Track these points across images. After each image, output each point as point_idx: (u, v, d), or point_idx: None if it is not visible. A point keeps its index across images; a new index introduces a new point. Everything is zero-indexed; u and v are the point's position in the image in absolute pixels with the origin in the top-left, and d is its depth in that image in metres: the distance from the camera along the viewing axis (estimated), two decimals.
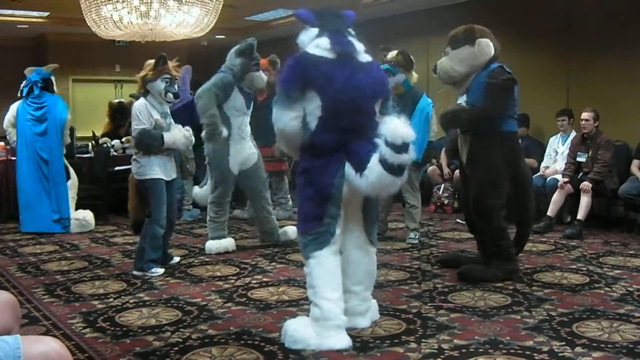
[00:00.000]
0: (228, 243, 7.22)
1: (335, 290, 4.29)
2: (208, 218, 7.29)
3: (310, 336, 4.20)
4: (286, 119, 4.28)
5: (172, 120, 6.39)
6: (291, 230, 7.45)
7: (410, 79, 7.60)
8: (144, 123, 6.14)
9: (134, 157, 6.29)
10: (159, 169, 6.20)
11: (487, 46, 5.87)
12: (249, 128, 7.29)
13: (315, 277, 4.28)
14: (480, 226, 6.05)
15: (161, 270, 6.23)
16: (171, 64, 6.32)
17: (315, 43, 4.39)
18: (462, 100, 6.04)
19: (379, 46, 7.60)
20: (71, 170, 8.82)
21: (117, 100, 11.92)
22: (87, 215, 8.74)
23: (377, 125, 4.16)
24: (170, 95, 6.20)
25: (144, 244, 6.23)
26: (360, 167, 4.15)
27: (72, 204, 8.69)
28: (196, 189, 7.85)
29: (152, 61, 6.30)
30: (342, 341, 4.20)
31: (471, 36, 5.91)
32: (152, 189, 6.21)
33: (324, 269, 4.27)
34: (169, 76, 6.20)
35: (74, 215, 8.60)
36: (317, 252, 4.27)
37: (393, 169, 4.01)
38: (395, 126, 3.95)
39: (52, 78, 8.83)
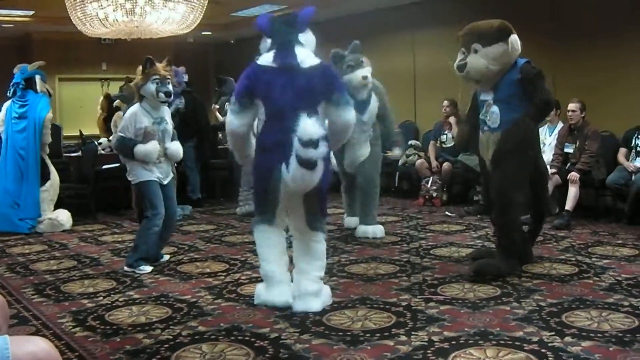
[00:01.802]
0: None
1: (272, 254, 5.01)
2: None
3: (261, 292, 5.04)
4: (237, 123, 4.93)
5: (167, 127, 6.37)
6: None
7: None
8: (123, 131, 6.22)
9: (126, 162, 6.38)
10: (147, 172, 6.23)
11: (517, 43, 5.72)
12: None
13: (258, 245, 5.09)
14: (498, 218, 5.91)
15: (149, 268, 6.23)
16: (160, 65, 6.31)
17: (264, 56, 4.98)
18: (486, 97, 5.90)
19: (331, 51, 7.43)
20: (52, 171, 8.69)
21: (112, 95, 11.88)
22: (61, 214, 8.68)
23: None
24: (162, 95, 6.17)
25: (138, 242, 6.32)
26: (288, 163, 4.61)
27: (50, 205, 8.59)
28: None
29: (141, 67, 6.29)
30: (281, 295, 4.91)
31: (505, 33, 5.70)
32: (145, 190, 6.28)
33: (264, 237, 5.02)
34: (158, 77, 6.17)
35: (48, 215, 8.53)
36: (258, 226, 5.04)
37: (303, 163, 4.45)
38: (304, 125, 4.37)
39: (38, 77, 8.76)
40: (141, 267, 6.21)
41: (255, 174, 5.04)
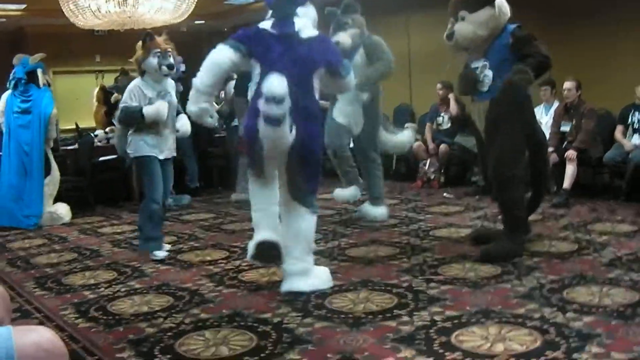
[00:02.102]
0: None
1: (260, 202, 5.02)
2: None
3: (250, 247, 5.00)
4: (225, 55, 4.93)
5: (172, 99, 6.34)
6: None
7: None
8: (128, 101, 6.14)
9: (128, 134, 6.30)
10: (148, 147, 6.20)
11: (505, 6, 5.67)
12: None
13: (250, 196, 5.10)
14: (499, 196, 5.83)
15: (163, 254, 6.29)
16: (159, 38, 6.28)
17: (264, 23, 5.08)
18: (478, 64, 5.80)
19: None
20: (54, 166, 8.68)
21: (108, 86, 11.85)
22: (60, 208, 8.67)
23: (313, 96, 4.90)
24: (164, 68, 6.11)
25: (141, 222, 6.39)
26: None
27: (50, 200, 8.57)
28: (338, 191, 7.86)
29: (141, 42, 6.24)
30: (260, 236, 4.92)
31: None
32: (144, 167, 6.26)
33: (254, 188, 5.04)
34: (159, 50, 6.12)
35: (47, 209, 8.50)
36: (252, 180, 5.05)
37: (267, 119, 4.51)
38: (269, 81, 4.42)
39: (39, 70, 8.70)
40: (154, 253, 6.27)
41: (244, 135, 5.04)
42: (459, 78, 5.98)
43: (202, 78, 4.99)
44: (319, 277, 5.04)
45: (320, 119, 5.06)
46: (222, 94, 10.78)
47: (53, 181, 8.62)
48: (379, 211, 7.56)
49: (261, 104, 4.49)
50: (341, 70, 5.03)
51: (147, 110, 6.08)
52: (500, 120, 5.60)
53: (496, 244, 5.69)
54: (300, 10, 5.09)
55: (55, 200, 8.68)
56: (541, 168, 6.10)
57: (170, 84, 6.43)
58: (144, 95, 6.15)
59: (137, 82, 6.25)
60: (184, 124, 6.43)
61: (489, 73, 5.72)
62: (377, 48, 7.27)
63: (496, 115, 5.63)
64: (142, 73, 6.23)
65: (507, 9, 5.66)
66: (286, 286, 4.96)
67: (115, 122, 10.23)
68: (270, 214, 5.03)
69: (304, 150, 4.76)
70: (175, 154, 6.53)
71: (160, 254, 6.28)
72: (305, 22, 5.05)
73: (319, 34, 5.10)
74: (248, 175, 5.15)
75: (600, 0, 9.01)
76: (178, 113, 6.46)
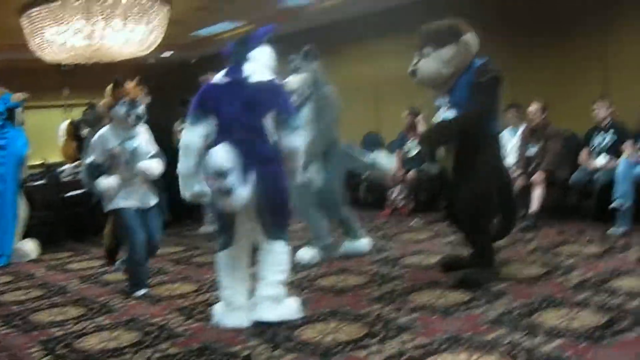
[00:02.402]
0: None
1: (230, 281, 5.03)
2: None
3: (219, 313, 5.06)
4: (190, 135, 4.94)
5: (139, 146, 6.07)
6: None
7: None
8: (92, 154, 6.04)
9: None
10: (120, 199, 6.04)
11: (472, 42, 5.57)
12: None
13: (218, 270, 5.12)
14: (471, 231, 5.74)
15: (143, 291, 6.16)
16: (130, 84, 6.06)
17: (217, 74, 5.17)
18: (442, 102, 5.73)
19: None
20: (23, 204, 8.62)
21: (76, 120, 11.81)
22: (26, 244, 8.58)
23: (266, 139, 4.88)
24: (132, 118, 5.92)
25: (128, 272, 6.29)
26: None
27: (17, 236, 8.48)
28: None
29: (111, 87, 6.05)
30: (237, 320, 4.92)
31: (455, 34, 5.54)
32: (119, 219, 6.10)
33: (223, 264, 5.07)
34: (127, 98, 5.94)
35: (15, 245, 8.38)
36: (219, 253, 5.09)
37: (217, 191, 4.74)
38: (214, 155, 4.67)
39: (19, 110, 8.65)
40: (136, 293, 6.14)
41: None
42: (425, 134, 5.89)
43: (183, 163, 5.03)
44: (288, 308, 5.03)
45: (278, 160, 4.98)
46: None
47: (20, 218, 8.53)
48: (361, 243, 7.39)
49: (209, 178, 4.70)
50: (290, 120, 4.98)
51: (98, 183, 5.96)
52: (468, 159, 5.56)
53: (470, 273, 5.66)
54: (254, 53, 5.12)
55: (24, 236, 8.59)
56: (510, 203, 6.04)
57: (141, 130, 6.17)
58: (105, 146, 5.98)
59: (102, 132, 6.07)
60: (142, 170, 6.07)
61: (450, 114, 5.62)
62: (326, 101, 7.07)
63: (463, 153, 5.59)
64: (111, 119, 6.07)
65: (473, 45, 5.59)
66: (255, 315, 4.95)
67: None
68: (244, 289, 5.08)
69: (267, 191, 4.82)
70: (156, 201, 6.34)
71: (140, 291, 6.16)
72: (258, 66, 5.05)
73: (270, 79, 5.06)
74: (218, 244, 5.13)
75: (565, 23, 9.12)
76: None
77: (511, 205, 6.15)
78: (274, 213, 4.94)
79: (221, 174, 4.59)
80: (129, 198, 6.07)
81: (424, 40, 5.68)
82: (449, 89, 5.65)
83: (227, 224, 5.01)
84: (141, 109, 6.03)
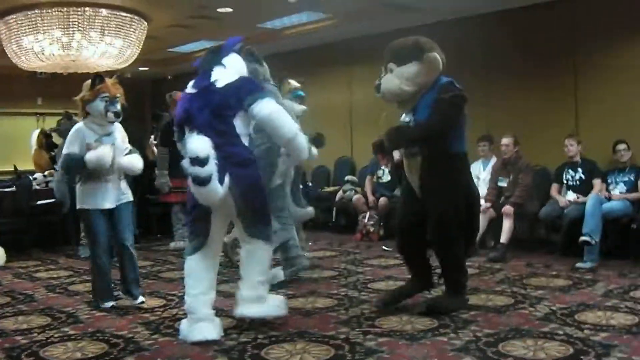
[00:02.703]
0: None
1: (197, 287, 4.98)
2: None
3: (184, 328, 4.97)
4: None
5: (116, 142, 5.99)
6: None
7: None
8: (69, 147, 5.90)
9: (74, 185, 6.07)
10: (89, 199, 5.92)
11: (436, 60, 5.46)
12: None
13: (186, 275, 5.07)
14: (441, 255, 5.67)
15: (110, 304, 6.04)
16: (109, 81, 5.99)
17: (189, 84, 5.21)
18: (407, 119, 5.68)
19: (278, 75, 7.23)
20: None
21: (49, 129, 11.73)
22: None
23: (239, 142, 4.95)
24: (111, 114, 5.86)
25: (91, 277, 6.23)
26: None
27: None
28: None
29: (89, 82, 5.98)
30: (201, 333, 4.87)
31: (419, 51, 5.47)
32: (83, 220, 6.07)
33: (192, 269, 5.03)
34: (107, 95, 5.85)
35: None
36: (189, 257, 5.05)
37: (194, 180, 4.69)
38: (191, 143, 4.69)
39: None
40: (101, 306, 6.02)
41: (189, 199, 5.08)
42: (386, 132, 5.73)
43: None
44: (272, 305, 5.16)
45: (253, 162, 5.04)
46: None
47: None
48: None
49: (187, 166, 4.69)
50: (253, 99, 4.93)
51: (89, 156, 5.78)
52: (434, 178, 5.52)
53: (439, 299, 5.71)
54: (225, 60, 5.17)
55: None
56: (473, 225, 5.89)
57: (117, 127, 6.08)
58: (83, 140, 5.88)
59: (78, 126, 5.97)
60: (123, 165, 6.04)
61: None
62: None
63: (429, 172, 5.55)
64: (86, 114, 5.95)
65: (437, 63, 5.49)
66: (239, 311, 5.08)
67: (57, 167, 10.14)
68: (207, 301, 5.02)
69: (245, 191, 4.90)
70: (131, 198, 6.24)
71: (108, 304, 6.06)
72: (227, 72, 5.09)
73: (239, 77, 5.12)
74: (188, 248, 5.12)
75: (539, 57, 9.26)
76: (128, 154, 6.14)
77: (474, 227, 5.93)
78: (254, 211, 5.00)
79: (199, 160, 4.59)
80: (98, 198, 5.94)
81: (388, 57, 5.66)
82: (414, 106, 5.62)
83: (200, 227, 5.01)
84: (119, 106, 5.95)
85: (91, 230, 6.02)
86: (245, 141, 5.02)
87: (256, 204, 5.01)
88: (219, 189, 4.70)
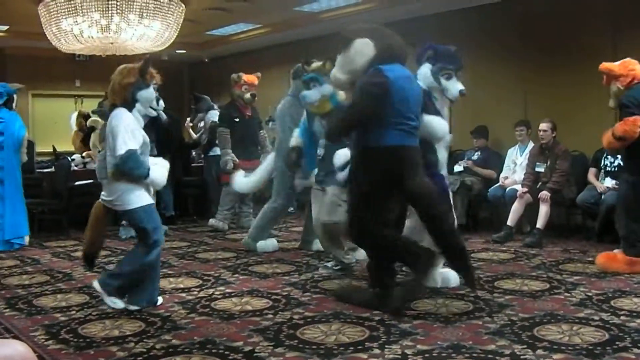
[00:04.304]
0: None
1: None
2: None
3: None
4: None
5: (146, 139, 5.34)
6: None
7: (338, 95, 6.51)
8: (131, 143, 5.09)
9: (108, 182, 5.38)
10: (145, 194, 5.28)
11: (364, 47, 5.22)
12: None
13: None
14: (366, 250, 5.56)
15: (121, 305, 5.34)
16: (152, 70, 5.39)
17: None
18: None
19: (301, 60, 7.08)
20: None
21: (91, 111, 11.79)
22: None
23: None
24: (156, 104, 5.52)
25: (123, 268, 5.48)
26: None
27: None
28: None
29: (130, 66, 5.34)
30: None
31: (349, 40, 5.31)
32: (144, 217, 5.24)
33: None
34: (157, 84, 5.47)
35: None
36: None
37: None
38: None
39: (15, 96, 8.67)
40: (114, 300, 5.34)
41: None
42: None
43: None
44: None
45: None
46: (202, 123, 10.84)
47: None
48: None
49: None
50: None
51: (154, 174, 5.23)
52: (357, 168, 5.31)
53: (353, 290, 5.76)
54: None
55: (30, 223, 8.60)
56: (428, 216, 5.12)
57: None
58: (141, 132, 5.24)
59: (134, 115, 5.23)
60: (154, 180, 5.30)
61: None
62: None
63: (354, 162, 5.37)
64: (132, 101, 5.23)
65: (367, 48, 5.22)
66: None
67: (92, 147, 10.23)
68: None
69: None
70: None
71: (119, 304, 5.37)
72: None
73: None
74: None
75: (576, 45, 9.15)
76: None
77: (432, 218, 5.10)
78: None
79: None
80: (145, 194, 5.31)
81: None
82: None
83: None
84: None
85: (155, 224, 5.31)
86: None
87: None
88: None
